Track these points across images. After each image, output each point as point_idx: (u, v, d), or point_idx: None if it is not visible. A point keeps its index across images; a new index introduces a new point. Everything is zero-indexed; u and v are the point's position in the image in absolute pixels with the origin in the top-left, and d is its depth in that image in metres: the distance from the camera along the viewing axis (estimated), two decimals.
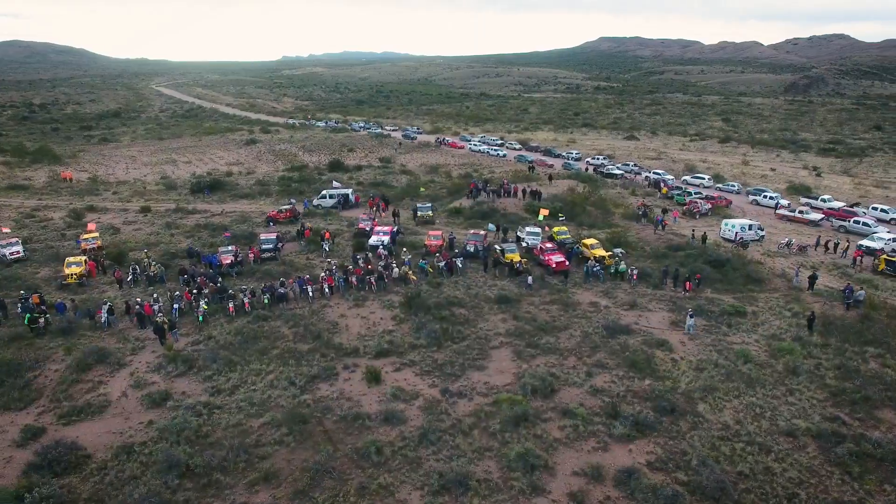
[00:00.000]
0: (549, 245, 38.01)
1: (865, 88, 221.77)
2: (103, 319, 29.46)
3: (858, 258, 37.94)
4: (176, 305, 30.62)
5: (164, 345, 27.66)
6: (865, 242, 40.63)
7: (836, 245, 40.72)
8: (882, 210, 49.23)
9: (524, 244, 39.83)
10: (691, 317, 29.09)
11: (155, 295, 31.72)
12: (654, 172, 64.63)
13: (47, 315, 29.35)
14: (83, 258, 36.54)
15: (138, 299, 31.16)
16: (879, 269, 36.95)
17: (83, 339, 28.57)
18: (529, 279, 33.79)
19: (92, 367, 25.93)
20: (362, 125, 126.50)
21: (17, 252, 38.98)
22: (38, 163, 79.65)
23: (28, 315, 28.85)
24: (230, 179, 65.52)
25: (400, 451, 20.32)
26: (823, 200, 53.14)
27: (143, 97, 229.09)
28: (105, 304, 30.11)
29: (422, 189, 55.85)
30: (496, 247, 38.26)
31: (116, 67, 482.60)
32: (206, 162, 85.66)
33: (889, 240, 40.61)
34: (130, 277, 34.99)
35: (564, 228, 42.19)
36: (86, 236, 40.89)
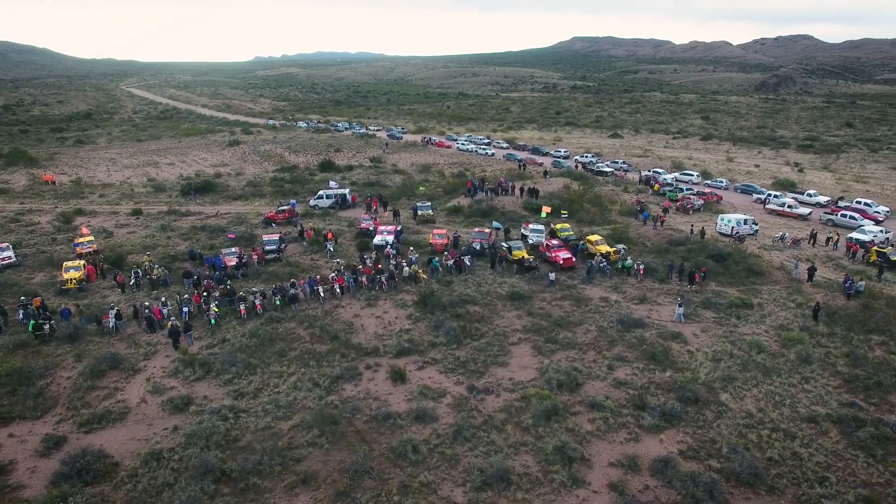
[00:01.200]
0: (555, 242, 38.36)
1: (831, 87, 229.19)
2: (111, 324, 28.71)
3: (859, 251, 39.17)
4: (185, 308, 29.99)
5: (178, 349, 27.10)
6: (855, 235, 42.01)
7: (829, 239, 42.07)
8: (866, 204, 50.92)
9: (529, 241, 40.10)
10: (680, 306, 30.16)
11: (163, 298, 31.05)
12: (653, 171, 64.98)
13: (52, 321, 28.45)
14: (81, 262, 35.50)
15: (146, 303, 30.43)
16: (871, 261, 38.26)
17: (91, 345, 27.79)
18: (552, 275, 34.19)
19: (105, 373, 25.25)
20: (345, 125, 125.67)
21: (9, 258, 37.65)
22: (12, 165, 77.01)
23: (32, 322, 27.93)
24: (220, 181, 64.35)
25: (436, 448, 20.32)
26: (809, 195, 54.82)
27: (114, 98, 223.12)
28: (112, 308, 29.33)
29: (420, 188, 55.78)
30: (503, 244, 38.46)
31: (82, 68, 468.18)
32: (190, 164, 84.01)
33: (877, 232, 42.08)
34: (133, 281, 34.14)
35: (567, 225, 42.61)
36: (81, 240, 39.71)
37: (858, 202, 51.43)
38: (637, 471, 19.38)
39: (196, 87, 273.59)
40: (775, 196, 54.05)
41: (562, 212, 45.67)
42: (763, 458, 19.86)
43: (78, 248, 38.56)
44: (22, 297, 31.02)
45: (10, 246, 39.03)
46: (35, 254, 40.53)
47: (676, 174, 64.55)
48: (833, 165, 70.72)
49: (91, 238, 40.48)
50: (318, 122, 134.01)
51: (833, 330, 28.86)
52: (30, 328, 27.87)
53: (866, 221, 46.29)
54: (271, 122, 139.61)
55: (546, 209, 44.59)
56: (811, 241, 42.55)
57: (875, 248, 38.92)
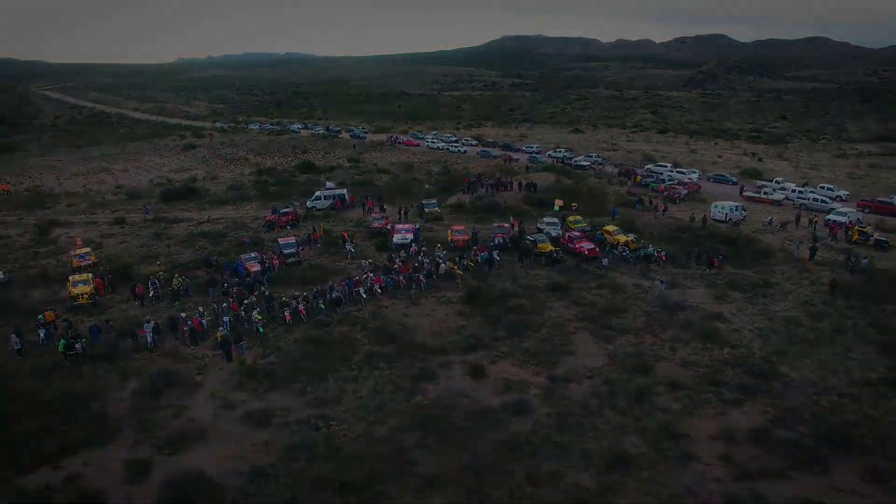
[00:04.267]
0: (576, 233, 39.29)
1: (750, 84, 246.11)
2: (148, 339, 26.81)
3: (839, 231, 42.49)
4: (225, 318, 28.44)
5: (230, 361, 25.70)
6: (832, 217, 45.60)
7: (811, 221, 45.47)
8: (829, 188, 55.32)
9: (548, 234, 40.75)
10: (662, 282, 32.32)
11: (200, 309, 29.28)
12: (671, 168, 64.89)
13: (83, 339, 26.18)
14: (89, 275, 32.78)
15: (183, 314, 28.60)
16: (854, 240, 41.72)
17: (132, 362, 25.83)
18: (605, 261, 35.36)
19: (162, 391, 23.59)
20: (300, 126, 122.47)
21: None
22: None
23: (63, 341, 25.61)
24: (197, 185, 61.04)
25: (547, 437, 20.48)
26: (777, 182, 58.91)
27: (29, 102, 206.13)
28: (148, 322, 27.38)
29: (427, 185, 55.23)
30: (528, 238, 38.97)
31: None
32: (147, 169, 79.25)
33: (850, 213, 45.88)
34: (152, 293, 31.94)
35: (579, 217, 43.65)
36: (78, 252, 36.65)
37: (822, 187, 55.83)
38: (738, 442, 20.34)
39: (121, 90, 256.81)
40: (786, 188, 55.20)
41: (572, 204, 46.76)
42: (842, 422, 21.36)
43: (76, 261, 35.54)
44: (39, 317, 28.28)
45: None
46: (21, 269, 37.01)
47: (649, 166, 67.04)
48: (786, 154, 76.38)
49: (88, 249, 37.44)
50: (271, 123, 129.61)
51: (850, 303, 31.30)
52: (60, 348, 25.52)
53: (836, 204, 50.29)
54: (218, 124, 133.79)
55: (558, 202, 45.47)
56: (796, 225, 45.80)
57: (856, 227, 42.47)
